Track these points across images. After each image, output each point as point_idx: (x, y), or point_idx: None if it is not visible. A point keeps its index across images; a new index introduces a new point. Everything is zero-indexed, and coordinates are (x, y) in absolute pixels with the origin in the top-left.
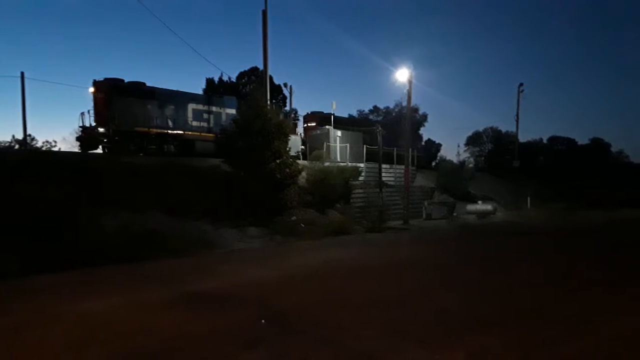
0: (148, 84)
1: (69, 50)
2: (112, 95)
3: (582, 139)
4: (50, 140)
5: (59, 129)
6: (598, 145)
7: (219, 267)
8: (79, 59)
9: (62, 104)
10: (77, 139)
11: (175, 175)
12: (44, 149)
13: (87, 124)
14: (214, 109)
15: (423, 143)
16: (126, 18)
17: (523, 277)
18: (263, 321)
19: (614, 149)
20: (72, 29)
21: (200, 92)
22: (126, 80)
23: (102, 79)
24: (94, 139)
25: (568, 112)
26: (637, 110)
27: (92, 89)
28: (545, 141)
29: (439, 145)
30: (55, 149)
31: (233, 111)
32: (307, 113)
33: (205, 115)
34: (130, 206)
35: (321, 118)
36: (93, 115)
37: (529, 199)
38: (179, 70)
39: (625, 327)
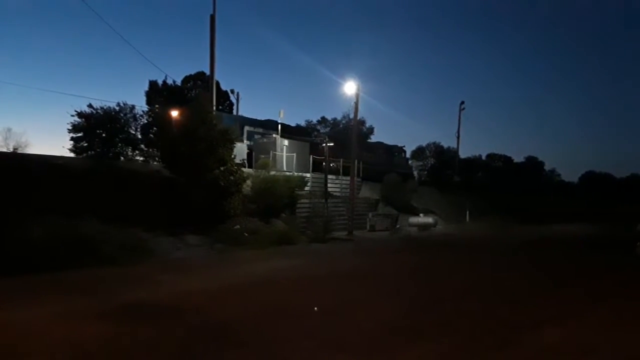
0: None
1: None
2: None
3: (518, 157)
4: None
5: None
6: (532, 164)
7: (155, 276)
8: (18, 56)
9: None
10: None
11: (111, 179)
12: None
13: None
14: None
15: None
16: (65, 16)
17: (456, 287)
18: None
19: (547, 167)
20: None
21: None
22: None
23: None
24: None
25: (506, 131)
26: (570, 130)
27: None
28: (484, 158)
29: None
30: None
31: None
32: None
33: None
34: (61, 211)
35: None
36: None
37: (467, 212)
38: (119, 73)
39: None
